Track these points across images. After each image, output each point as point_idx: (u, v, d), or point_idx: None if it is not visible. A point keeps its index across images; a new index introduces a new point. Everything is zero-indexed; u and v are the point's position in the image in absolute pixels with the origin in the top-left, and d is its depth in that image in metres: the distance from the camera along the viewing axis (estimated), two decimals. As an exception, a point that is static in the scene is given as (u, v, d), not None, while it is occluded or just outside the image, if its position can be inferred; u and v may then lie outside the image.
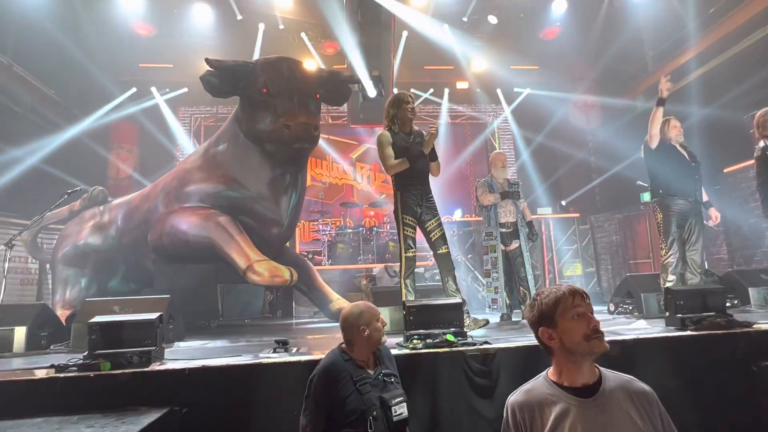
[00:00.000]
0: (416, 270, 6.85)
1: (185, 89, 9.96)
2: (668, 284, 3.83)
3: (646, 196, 7.96)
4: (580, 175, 10.53)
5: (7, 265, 5.19)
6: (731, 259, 6.96)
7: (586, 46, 10.04)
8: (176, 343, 3.62)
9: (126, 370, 2.34)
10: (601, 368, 1.37)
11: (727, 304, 3.36)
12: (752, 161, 6.49)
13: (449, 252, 3.67)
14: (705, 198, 4.21)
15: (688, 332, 2.75)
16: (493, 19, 9.19)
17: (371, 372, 1.94)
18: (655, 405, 1.30)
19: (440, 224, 3.69)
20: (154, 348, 2.57)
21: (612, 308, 4.46)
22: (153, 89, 10.00)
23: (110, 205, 6.10)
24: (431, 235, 3.64)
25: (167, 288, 4.66)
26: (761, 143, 3.94)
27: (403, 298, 3.45)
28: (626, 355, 2.46)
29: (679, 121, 4.28)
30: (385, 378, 1.93)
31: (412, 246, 3.58)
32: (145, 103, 9.93)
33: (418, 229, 3.67)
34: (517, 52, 9.93)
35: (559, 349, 1.35)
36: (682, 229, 4.00)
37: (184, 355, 2.95)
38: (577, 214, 8.94)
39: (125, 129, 10.22)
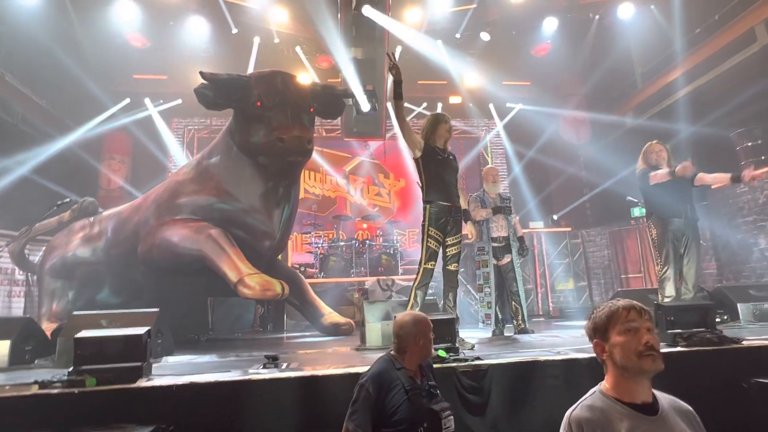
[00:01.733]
0: (407, 284, 6.84)
1: (179, 101, 9.97)
2: (666, 299, 3.85)
3: (637, 211, 8.05)
4: (571, 190, 10.64)
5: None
6: (720, 274, 7.03)
7: (577, 63, 10.21)
8: (165, 358, 3.56)
9: (112, 387, 2.30)
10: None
11: (717, 320, 3.38)
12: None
13: (458, 270, 3.75)
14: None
15: (679, 348, 2.76)
16: (485, 36, 9.34)
17: (419, 382, 1.92)
18: (700, 424, 1.31)
19: (460, 242, 3.76)
20: (141, 363, 2.52)
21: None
22: (146, 100, 9.99)
23: (100, 216, 6.04)
24: (448, 250, 3.70)
25: (156, 301, 4.59)
26: None
27: (409, 307, 3.48)
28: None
29: (662, 145, 4.34)
30: (432, 390, 1.92)
31: (434, 258, 3.62)
32: (138, 114, 9.91)
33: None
34: (509, 68, 10.08)
35: (611, 364, 1.34)
36: (677, 245, 4.03)
37: (172, 370, 2.90)
38: (569, 229, 9.00)
39: (118, 140, 10.17)
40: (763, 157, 7.20)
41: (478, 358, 2.65)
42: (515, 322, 4.56)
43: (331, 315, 5.46)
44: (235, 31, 8.89)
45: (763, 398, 2.42)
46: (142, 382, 2.41)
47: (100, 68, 8.96)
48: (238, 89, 4.78)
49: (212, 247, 4.51)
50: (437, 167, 3.68)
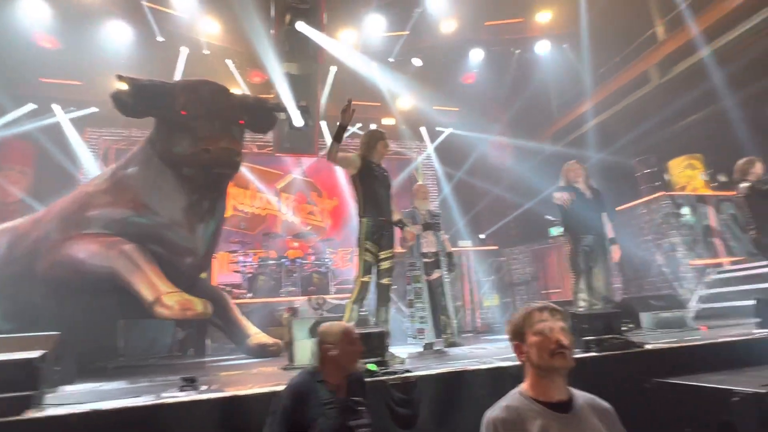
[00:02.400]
0: (339, 303, 6.75)
1: (95, 108, 9.24)
2: (579, 310, 4.13)
3: (555, 231, 8.65)
4: (497, 210, 11.21)
5: None
6: (625, 287, 7.71)
7: (501, 93, 10.94)
8: (63, 387, 3.16)
9: (-6, 420, 1.99)
10: (569, 387, 1.40)
11: (623, 327, 3.67)
12: (641, 200, 7.36)
13: (391, 285, 3.80)
14: (611, 234, 4.64)
15: (591, 353, 2.95)
16: (417, 62, 9.73)
17: (341, 396, 1.85)
18: (617, 421, 1.36)
19: (393, 256, 3.81)
20: (32, 393, 2.21)
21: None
22: (55, 106, 9.14)
23: (-8, 231, 5.35)
24: (381, 264, 3.73)
25: (57, 325, 4.09)
26: (743, 184, 4.50)
27: (345, 321, 3.39)
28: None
29: (578, 164, 4.74)
30: (353, 405, 1.85)
31: (370, 272, 3.65)
32: (45, 121, 9.02)
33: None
34: (439, 93, 10.54)
35: (529, 364, 1.39)
36: (587, 259, 4.36)
37: (71, 399, 2.58)
38: (495, 247, 9.43)
39: (18, 148, 9.15)
40: (657, 183, 8.08)
41: (407, 371, 2.65)
42: (444, 336, 4.63)
43: (257, 335, 5.20)
44: (160, 39, 8.48)
45: (662, 396, 2.64)
46: (32, 413, 2.11)
47: (1, 68, 8.09)
48: (161, 96, 4.53)
49: (125, 263, 4.15)
50: (373, 183, 3.75)
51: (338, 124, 3.65)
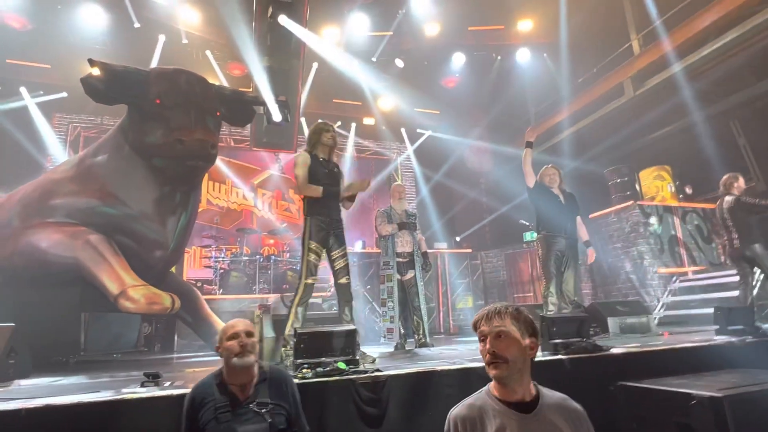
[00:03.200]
0: (313, 300, 6.67)
1: (64, 94, 8.90)
2: (549, 313, 4.19)
3: (529, 236, 8.79)
4: (473, 213, 11.34)
5: None
6: (594, 293, 7.90)
7: (481, 98, 11.07)
8: (16, 382, 3.02)
9: (-64, 414, 1.88)
10: (539, 386, 1.41)
11: (591, 332, 3.75)
12: (612, 209, 7.54)
13: (350, 283, 3.67)
14: (586, 237, 4.74)
15: (559, 356, 3.00)
16: (399, 63, 9.74)
17: (242, 399, 1.77)
18: (585, 423, 1.37)
19: (345, 255, 3.68)
20: (-19, 386, 2.10)
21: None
22: (22, 89, 8.77)
23: (-53, 216, 5.08)
24: (335, 264, 3.63)
25: (13, 317, 3.92)
26: (728, 197, 4.80)
27: (289, 325, 3.34)
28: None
29: (555, 169, 4.83)
30: (255, 408, 1.75)
31: (314, 273, 3.51)
32: (10, 104, 8.64)
33: (323, 257, 3.64)
34: (420, 95, 10.58)
35: None
36: (559, 264, 4.44)
37: (24, 393, 2.47)
38: (470, 250, 9.52)
39: (-20, 131, 8.74)
40: (628, 192, 8.32)
41: (377, 370, 2.63)
42: (416, 337, 4.64)
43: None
44: (137, 25, 8.22)
45: (626, 398, 2.71)
46: (-19, 408, 2.00)
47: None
48: (135, 83, 4.39)
49: (90, 254, 4.01)
50: (319, 181, 3.60)
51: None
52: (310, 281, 3.46)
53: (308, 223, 3.55)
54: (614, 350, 3.18)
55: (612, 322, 4.64)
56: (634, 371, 2.89)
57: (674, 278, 7.07)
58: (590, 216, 8.07)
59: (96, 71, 4.26)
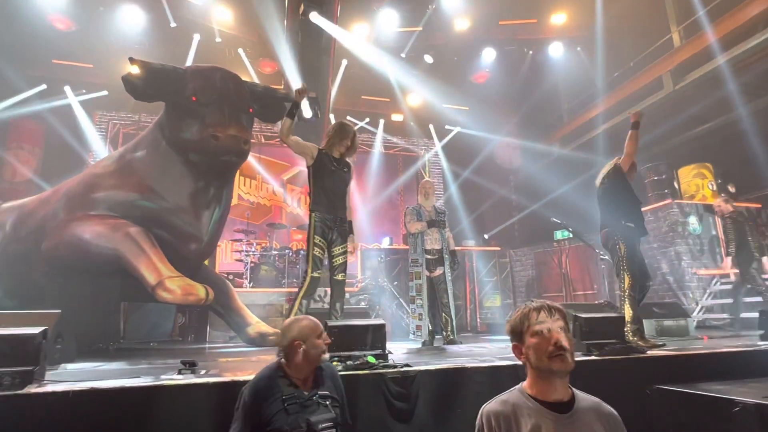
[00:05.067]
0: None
1: (105, 92, 9.28)
2: (582, 314, 3.99)
3: (560, 234, 8.60)
4: (501, 211, 11.18)
5: None
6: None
7: (511, 93, 10.88)
8: (63, 365, 3.18)
9: (-5, 393, 2.00)
10: (574, 388, 1.39)
11: (626, 334, 3.64)
12: (648, 207, 7.29)
13: (344, 280, 3.79)
14: None
15: (593, 357, 2.93)
16: (429, 59, 9.68)
17: (306, 392, 1.83)
18: (620, 428, 1.34)
19: (345, 252, 3.79)
20: (33, 368, 2.23)
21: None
22: (67, 88, 9.18)
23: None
24: (334, 260, 3.73)
25: (60, 305, 4.12)
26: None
27: (291, 316, 3.41)
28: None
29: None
30: (319, 399, 1.83)
31: (320, 267, 3.61)
32: (56, 103, 9.07)
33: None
34: (449, 91, 10.50)
35: (528, 365, 1.37)
36: (641, 262, 4.03)
37: (71, 377, 2.60)
38: (498, 248, 9.41)
39: (29, 128, 9.22)
40: (666, 191, 8.01)
41: (407, 365, 2.64)
42: (444, 333, 4.63)
43: (258, 324, 5.21)
44: (173, 25, 8.48)
45: (662, 403, 2.62)
46: (33, 389, 2.12)
47: (16, 48, 8.12)
48: (172, 81, 4.52)
49: (130, 246, 4.15)
50: (327, 177, 3.69)
51: (294, 102, 3.69)
52: (316, 275, 3.57)
53: (312, 218, 3.65)
54: (651, 353, 3.09)
55: (648, 325, 4.50)
56: (672, 375, 2.80)
57: (714, 280, 6.78)
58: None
59: (136, 69, 4.41)
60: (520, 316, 1.41)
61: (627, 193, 4.19)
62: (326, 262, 3.75)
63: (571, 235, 7.44)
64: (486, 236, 10.12)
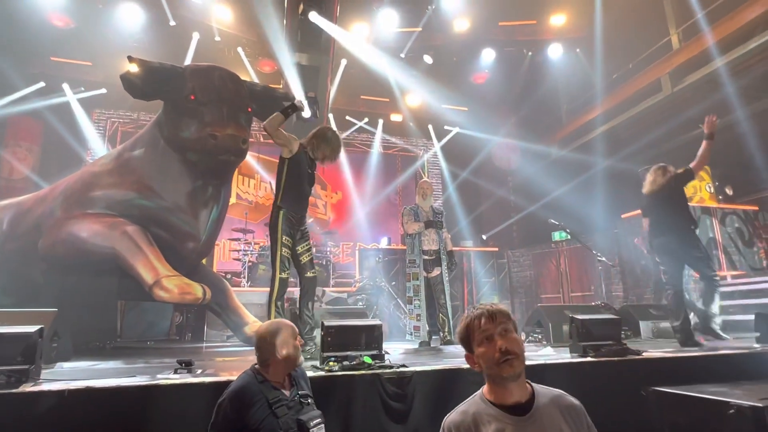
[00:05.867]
0: (338, 295, 6.73)
1: (104, 90, 9.25)
2: (578, 316, 4.05)
3: (557, 235, 8.61)
4: (500, 212, 11.19)
5: None
6: (626, 296, 7.68)
7: (510, 94, 10.89)
8: (59, 364, 3.18)
9: (-11, 392, 2.00)
10: (534, 384, 1.38)
11: (622, 335, 3.65)
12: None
13: (316, 277, 3.71)
14: None
15: (589, 359, 2.94)
16: (428, 59, 9.67)
17: (287, 393, 1.84)
18: (583, 417, 1.34)
19: (310, 249, 3.74)
20: (29, 366, 2.22)
21: (524, 337, 4.68)
22: (65, 86, 9.16)
23: (-4, 205, 5.37)
24: (300, 258, 3.66)
25: (56, 303, 4.11)
26: None
27: (270, 319, 3.40)
28: (536, 379, 2.56)
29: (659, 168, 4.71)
30: (302, 399, 1.85)
31: (288, 267, 3.53)
32: (54, 100, 9.05)
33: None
34: (448, 92, 10.49)
35: (484, 372, 1.36)
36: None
37: (67, 375, 2.59)
38: (496, 249, 9.41)
39: (26, 125, 9.18)
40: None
41: (403, 366, 2.64)
42: (442, 334, 4.63)
43: (255, 324, 5.20)
44: (173, 23, 8.45)
45: (658, 404, 2.63)
46: (28, 387, 2.12)
47: (13, 44, 8.09)
48: (171, 80, 4.52)
49: (127, 245, 4.15)
50: (300, 177, 3.63)
51: (293, 103, 3.61)
52: (284, 275, 3.48)
53: (281, 215, 3.52)
54: (647, 354, 3.09)
55: (644, 326, 4.52)
56: (668, 377, 2.80)
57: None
58: (623, 216, 7.84)
59: (134, 68, 4.41)
60: (465, 326, 1.39)
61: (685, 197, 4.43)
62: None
63: (569, 237, 7.44)
64: (484, 237, 10.13)
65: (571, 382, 2.82)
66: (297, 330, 1.98)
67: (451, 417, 1.36)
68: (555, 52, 9.95)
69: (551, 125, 11.39)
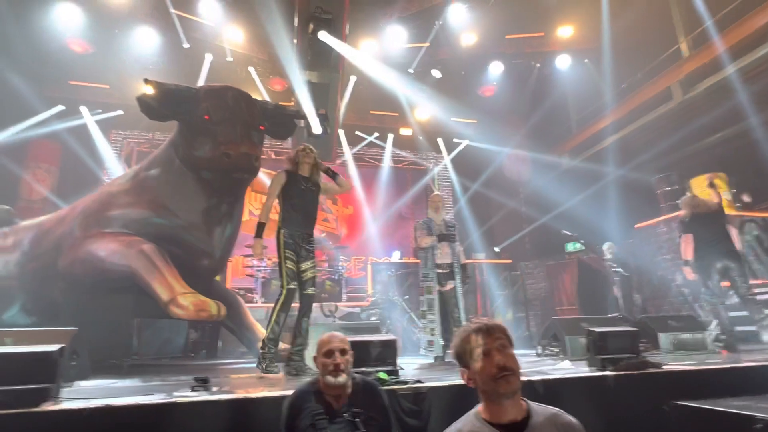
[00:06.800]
0: (350, 310, 6.72)
1: (120, 111, 9.50)
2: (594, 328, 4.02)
3: (571, 246, 8.52)
4: (512, 223, 11.12)
5: None
6: (643, 307, 7.53)
7: (520, 106, 10.92)
8: (77, 382, 3.21)
9: (11, 411, 2.03)
10: (529, 402, 1.35)
11: (640, 347, 3.58)
12: (661, 218, 7.22)
13: (314, 294, 3.82)
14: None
15: (607, 372, 2.88)
16: (436, 73, 9.78)
17: (337, 408, 1.82)
18: None
19: (314, 267, 3.85)
20: (49, 385, 2.25)
21: (540, 350, 4.60)
22: (83, 108, 9.42)
23: (16, 227, 5.51)
24: (303, 275, 3.75)
25: (74, 321, 4.17)
26: None
27: (269, 330, 3.57)
28: (552, 394, 2.52)
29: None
30: (350, 417, 1.81)
31: (294, 279, 3.66)
32: (72, 123, 9.30)
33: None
34: (457, 105, 10.57)
35: (479, 389, 1.34)
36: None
37: (86, 394, 2.62)
38: (509, 261, 9.33)
39: (46, 148, 9.45)
40: (678, 201, 7.90)
41: (418, 381, 2.62)
42: (456, 349, 4.58)
43: (269, 340, 5.21)
44: (186, 45, 8.70)
45: (681, 419, 2.56)
46: (48, 406, 2.15)
47: (33, 69, 8.38)
48: (186, 100, 4.63)
49: (144, 263, 4.21)
50: (296, 196, 3.81)
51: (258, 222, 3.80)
52: (292, 286, 3.63)
53: (281, 235, 3.73)
54: (667, 367, 3.02)
55: (664, 338, 4.41)
56: (690, 391, 2.73)
57: (731, 292, 6.64)
58: (637, 226, 7.74)
59: (150, 90, 4.53)
60: (460, 340, 1.37)
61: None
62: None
63: (583, 247, 7.35)
64: (497, 249, 10.06)
65: (589, 398, 2.78)
66: (328, 346, 1.91)
67: None
68: (563, 62, 9.99)
69: (561, 135, 11.37)
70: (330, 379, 1.84)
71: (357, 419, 1.81)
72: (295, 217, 3.77)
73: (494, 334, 1.32)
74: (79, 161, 9.31)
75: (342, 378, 1.85)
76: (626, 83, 9.54)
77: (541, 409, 1.34)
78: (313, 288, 3.78)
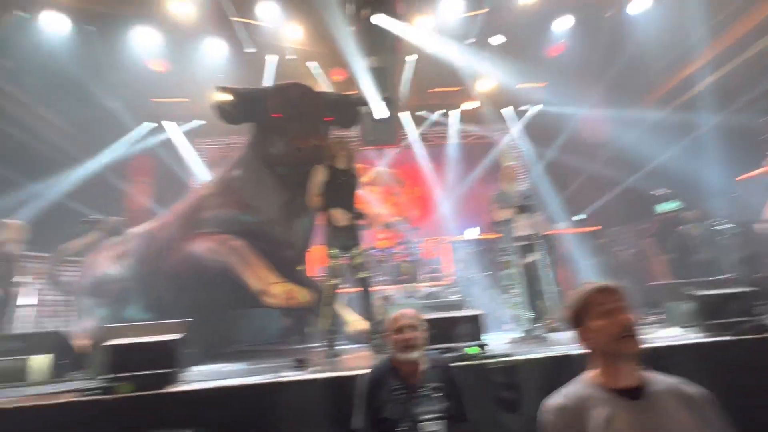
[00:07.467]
0: (431, 290, 6.76)
1: (203, 121, 10.27)
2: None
3: (661, 208, 7.80)
4: (593, 189, 10.41)
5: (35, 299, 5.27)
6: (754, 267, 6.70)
7: (593, 61, 10.07)
8: (192, 368, 3.58)
9: (143, 393, 2.32)
10: (646, 371, 1.29)
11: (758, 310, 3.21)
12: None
13: (369, 278, 4.11)
14: None
15: (719, 338, 2.64)
16: (498, 39, 9.32)
17: (414, 384, 1.87)
18: (708, 408, 1.22)
19: (361, 253, 4.08)
20: (172, 370, 2.54)
21: (638, 319, 4.32)
22: (167, 123, 10.31)
23: (129, 234, 6.19)
24: (354, 260, 4.02)
25: (182, 315, 4.64)
26: None
27: (322, 322, 3.86)
28: (661, 363, 2.36)
29: None
30: (427, 392, 1.86)
31: (337, 275, 3.94)
32: (162, 137, 10.24)
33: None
34: (524, 69, 10.00)
35: (595, 350, 1.29)
36: None
37: (201, 377, 2.92)
38: (594, 228, 8.78)
39: (142, 162, 10.50)
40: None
41: (509, 355, 2.59)
42: (544, 321, 4.44)
43: (356, 322, 5.41)
44: (251, 50, 9.11)
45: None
46: (172, 388, 2.43)
47: (120, 91, 9.29)
48: (257, 102, 4.88)
49: (236, 258, 4.57)
50: (337, 190, 4.08)
51: None
52: (336, 281, 3.93)
53: (325, 231, 4.03)
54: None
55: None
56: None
57: None
58: (741, 177, 6.89)
59: (224, 96, 4.83)
60: (581, 298, 1.31)
61: None
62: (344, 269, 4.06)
63: (681, 206, 6.70)
64: (579, 217, 9.50)
65: (699, 366, 2.56)
66: (398, 323, 1.95)
67: (554, 400, 1.29)
68: (641, 4, 9.01)
69: (645, 86, 10.35)
70: (401, 355, 1.89)
71: (434, 395, 1.85)
72: (336, 212, 3.99)
73: (616, 294, 1.28)
74: (171, 172, 10.23)
75: (413, 354, 1.88)
76: (721, 15, 8.39)
77: (659, 378, 1.27)
78: (365, 272, 4.03)
